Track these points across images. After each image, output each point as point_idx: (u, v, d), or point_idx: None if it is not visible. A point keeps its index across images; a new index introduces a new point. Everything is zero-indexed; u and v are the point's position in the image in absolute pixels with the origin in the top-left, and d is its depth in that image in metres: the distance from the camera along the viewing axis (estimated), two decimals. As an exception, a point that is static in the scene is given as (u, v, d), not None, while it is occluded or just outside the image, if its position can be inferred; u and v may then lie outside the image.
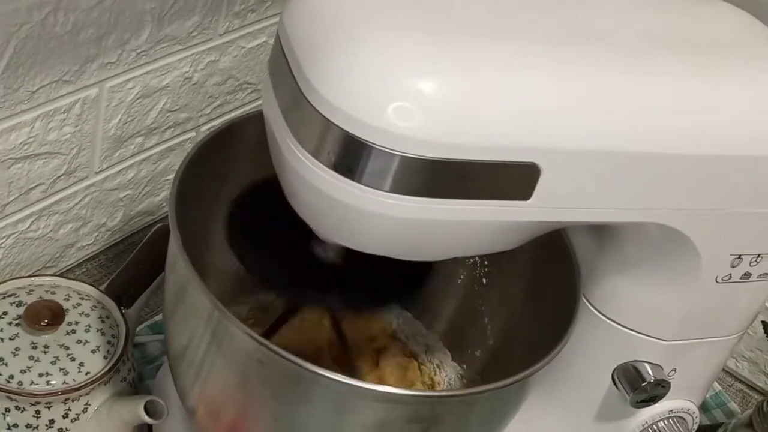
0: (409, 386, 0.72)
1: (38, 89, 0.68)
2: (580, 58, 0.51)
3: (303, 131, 0.50)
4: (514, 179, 0.51)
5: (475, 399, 0.56)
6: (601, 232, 0.63)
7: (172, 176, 0.89)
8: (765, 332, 0.79)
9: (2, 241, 0.75)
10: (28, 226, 0.76)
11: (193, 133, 0.88)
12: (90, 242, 0.84)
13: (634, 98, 0.52)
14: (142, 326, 0.81)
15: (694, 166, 0.54)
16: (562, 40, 0.52)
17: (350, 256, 0.57)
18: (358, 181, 0.49)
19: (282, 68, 0.52)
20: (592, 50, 0.52)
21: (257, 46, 0.87)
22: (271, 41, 0.89)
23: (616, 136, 0.51)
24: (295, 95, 0.50)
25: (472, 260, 0.74)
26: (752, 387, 0.94)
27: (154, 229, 0.77)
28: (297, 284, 0.65)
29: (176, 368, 0.62)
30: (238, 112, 0.91)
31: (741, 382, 0.95)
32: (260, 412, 0.57)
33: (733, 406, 0.92)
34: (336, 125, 0.48)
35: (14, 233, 0.75)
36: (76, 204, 0.79)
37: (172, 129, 0.85)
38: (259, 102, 0.93)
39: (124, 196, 0.84)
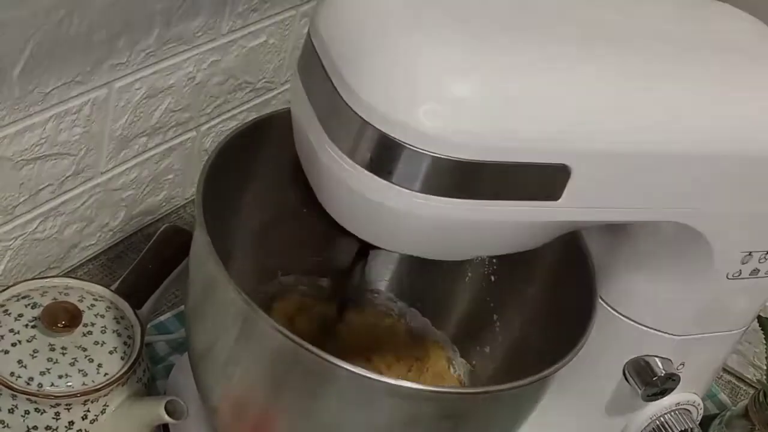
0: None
1: (51, 90, 0.68)
2: (606, 62, 0.52)
3: (338, 131, 0.50)
4: (544, 180, 0.51)
5: (503, 395, 0.56)
6: (615, 230, 0.64)
7: (172, 176, 0.89)
8: (761, 326, 0.81)
9: (11, 242, 0.74)
10: (36, 227, 0.75)
11: (193, 133, 0.87)
12: (93, 242, 0.84)
13: (660, 101, 0.53)
14: (147, 326, 0.80)
15: (714, 166, 0.55)
16: (588, 45, 0.52)
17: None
18: (391, 181, 0.50)
19: (315, 69, 0.52)
20: (617, 54, 0.53)
21: (258, 45, 0.87)
22: (272, 41, 0.89)
23: (642, 137, 0.52)
24: (331, 96, 0.50)
25: (480, 257, 0.75)
26: (741, 378, 0.96)
27: (162, 228, 0.77)
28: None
29: (200, 366, 0.62)
30: (236, 111, 0.91)
31: (730, 374, 0.96)
32: (289, 409, 0.57)
33: (723, 397, 0.94)
34: (372, 125, 0.48)
35: (22, 234, 0.74)
36: (82, 204, 0.79)
37: (175, 129, 0.84)
38: (256, 102, 0.94)
39: (127, 196, 0.84)
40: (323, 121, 0.52)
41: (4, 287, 0.68)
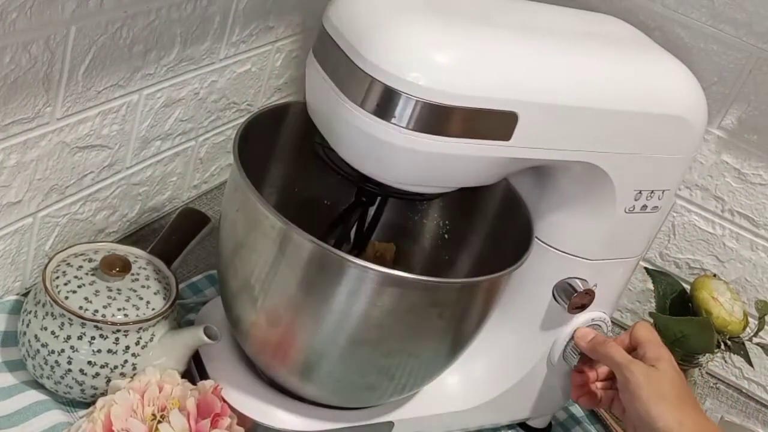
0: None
1: (102, 90, 0.81)
2: (541, 42, 0.70)
3: (352, 90, 0.66)
4: (497, 123, 0.68)
5: (475, 286, 0.72)
6: (542, 175, 0.80)
7: (175, 178, 1.01)
8: (649, 274, 0.99)
9: (59, 219, 0.85)
10: (78, 209, 0.87)
11: (193, 143, 1.01)
12: (114, 230, 0.95)
13: (576, 70, 0.71)
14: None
15: (610, 118, 0.73)
16: (528, 31, 0.71)
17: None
18: (391, 122, 0.65)
19: (330, 49, 0.68)
20: (548, 39, 0.71)
21: (244, 72, 1.02)
22: (254, 69, 1.04)
23: (563, 95, 0.69)
24: (346, 64, 0.66)
25: (435, 222, 0.90)
26: (634, 332, 1.13)
27: (180, 210, 0.90)
28: None
29: (238, 296, 0.75)
30: (225, 128, 1.05)
31: (626, 329, 1.13)
32: (310, 311, 0.70)
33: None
34: (378, 81, 0.64)
35: (68, 213, 0.86)
36: (111, 194, 0.91)
37: (180, 136, 0.97)
38: (239, 120, 1.08)
39: (143, 192, 0.96)
40: (339, 84, 0.67)
41: (61, 250, 0.80)
